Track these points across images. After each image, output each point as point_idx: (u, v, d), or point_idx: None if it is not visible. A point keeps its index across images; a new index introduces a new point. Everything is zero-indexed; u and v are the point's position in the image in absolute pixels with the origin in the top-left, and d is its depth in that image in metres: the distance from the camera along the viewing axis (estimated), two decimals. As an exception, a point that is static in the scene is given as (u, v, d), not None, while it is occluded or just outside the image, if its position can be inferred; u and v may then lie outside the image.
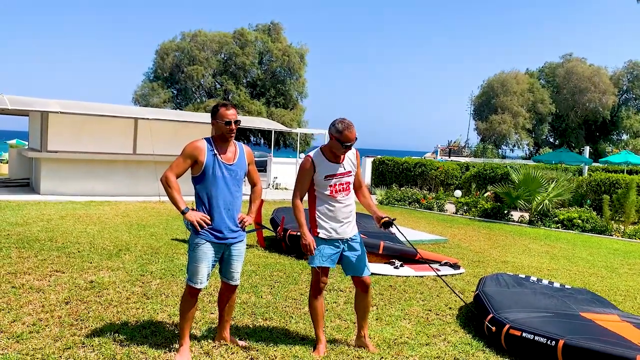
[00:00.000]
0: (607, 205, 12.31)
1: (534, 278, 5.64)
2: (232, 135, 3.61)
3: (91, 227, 8.35)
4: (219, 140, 3.62)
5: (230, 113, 3.57)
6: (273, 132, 20.18)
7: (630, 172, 20.14)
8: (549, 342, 3.70)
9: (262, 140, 39.36)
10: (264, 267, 6.33)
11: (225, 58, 37.89)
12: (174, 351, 3.63)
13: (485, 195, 14.78)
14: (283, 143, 37.35)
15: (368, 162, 20.11)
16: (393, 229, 4.00)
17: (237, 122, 3.62)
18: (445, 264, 6.86)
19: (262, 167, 19.72)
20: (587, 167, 20.85)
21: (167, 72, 37.62)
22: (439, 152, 45.76)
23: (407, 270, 6.48)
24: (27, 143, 18.37)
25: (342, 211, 3.80)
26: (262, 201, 7.51)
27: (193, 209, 3.58)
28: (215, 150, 3.57)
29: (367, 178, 19.72)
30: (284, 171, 18.20)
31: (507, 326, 3.99)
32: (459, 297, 5.40)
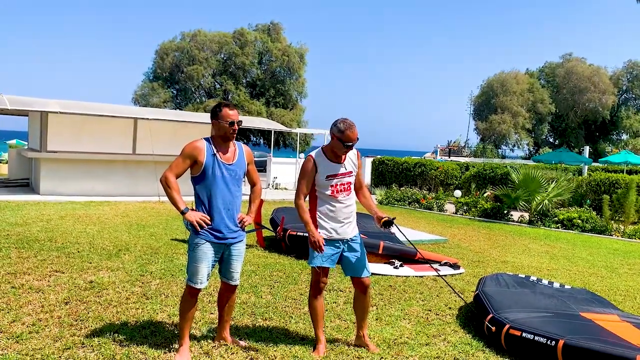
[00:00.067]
0: (607, 205, 12.31)
1: (534, 278, 5.64)
2: (234, 135, 3.62)
3: (91, 227, 8.35)
4: (218, 140, 3.62)
5: (233, 113, 3.58)
6: (273, 132, 20.18)
7: (630, 172, 20.13)
8: (548, 342, 3.70)
9: (262, 140, 39.37)
10: (264, 267, 6.33)
11: (224, 58, 37.89)
12: (173, 351, 3.63)
13: (485, 195, 14.78)
14: (283, 143, 37.35)
15: (368, 162, 20.11)
16: (393, 229, 4.00)
17: (239, 122, 3.63)
18: (445, 264, 6.86)
19: (262, 167, 19.72)
20: (586, 167, 20.86)
21: (167, 72, 37.63)
22: (438, 152, 45.78)
23: (406, 270, 6.47)
24: (26, 143, 18.36)
25: (343, 211, 3.80)
26: (261, 201, 7.51)
27: (193, 209, 3.58)
28: (214, 150, 3.57)
29: (366, 178, 19.72)
30: (283, 171, 18.21)
31: (507, 326, 3.98)
32: (459, 296, 5.40)
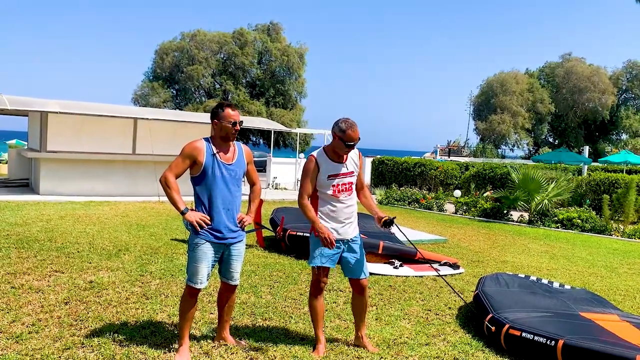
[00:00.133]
0: (607, 205, 12.31)
1: (533, 278, 5.64)
2: (236, 135, 3.63)
3: (90, 227, 8.35)
4: (219, 140, 3.62)
5: (235, 114, 3.59)
6: (272, 132, 20.17)
7: (629, 172, 20.14)
8: (548, 342, 3.70)
9: (262, 140, 39.37)
10: (264, 267, 6.33)
11: (224, 58, 37.89)
12: (173, 351, 3.63)
13: (485, 195, 14.79)
14: (283, 143, 37.35)
15: (368, 162, 20.12)
16: (393, 228, 4.00)
17: (240, 122, 3.63)
18: (445, 263, 6.86)
19: (262, 167, 19.72)
20: (586, 166, 20.87)
21: (167, 72, 37.63)
22: (438, 152, 45.80)
23: (406, 270, 6.48)
24: (26, 143, 18.36)
25: (344, 212, 3.80)
26: (261, 201, 7.52)
27: (192, 209, 3.58)
28: (214, 150, 3.57)
29: (366, 178, 19.73)
30: (283, 171, 18.20)
31: (507, 326, 3.99)
32: (459, 296, 5.40)
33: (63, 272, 5.55)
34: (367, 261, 4.07)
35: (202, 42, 36.87)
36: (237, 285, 3.80)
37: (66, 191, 12.41)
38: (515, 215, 13.09)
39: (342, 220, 3.79)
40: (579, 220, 11.72)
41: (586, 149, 26.04)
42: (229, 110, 3.57)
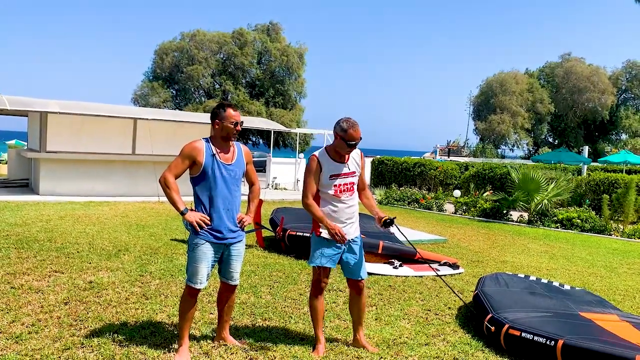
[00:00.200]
0: (606, 204, 12.32)
1: (533, 278, 5.64)
2: (236, 135, 3.63)
3: (90, 228, 8.35)
4: (219, 140, 3.62)
5: (236, 114, 3.60)
6: (272, 132, 20.16)
7: (629, 172, 20.15)
8: (548, 342, 3.70)
9: (261, 140, 39.37)
10: (263, 267, 6.33)
11: (224, 58, 37.89)
12: (173, 351, 3.63)
13: (485, 195, 14.79)
14: (282, 143, 37.36)
15: (367, 162, 20.13)
16: (393, 229, 4.00)
17: (241, 123, 3.64)
18: (445, 263, 6.86)
19: (262, 167, 19.71)
20: (586, 166, 20.88)
21: (167, 72, 37.63)
22: (438, 152, 45.80)
23: (406, 270, 6.48)
24: (26, 143, 18.35)
25: (346, 212, 3.79)
26: (261, 201, 7.51)
27: (192, 210, 3.58)
28: (214, 151, 3.57)
29: (366, 178, 19.73)
30: (283, 171, 18.19)
31: (507, 326, 3.99)
32: (458, 297, 5.40)
33: (63, 273, 5.55)
34: (366, 261, 4.07)
35: (202, 42, 36.87)
36: (236, 286, 3.80)
37: (66, 191, 12.40)
38: (514, 215, 13.10)
39: (344, 221, 3.79)
40: (579, 220, 11.72)
41: (586, 149, 26.04)
42: (230, 111, 3.58)
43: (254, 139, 39.27)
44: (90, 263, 6.03)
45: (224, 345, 3.79)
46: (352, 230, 3.83)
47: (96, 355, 3.53)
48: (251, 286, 5.46)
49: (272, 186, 17.75)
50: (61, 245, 6.86)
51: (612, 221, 12.05)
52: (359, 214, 4.05)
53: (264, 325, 4.34)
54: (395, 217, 3.97)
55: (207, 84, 37.53)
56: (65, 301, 4.61)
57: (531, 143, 50.57)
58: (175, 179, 3.53)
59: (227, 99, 36.30)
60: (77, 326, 4.04)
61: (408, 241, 4.90)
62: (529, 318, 4.14)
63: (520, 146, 51.28)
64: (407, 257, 6.82)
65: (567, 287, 5.47)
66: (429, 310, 5.03)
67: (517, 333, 3.90)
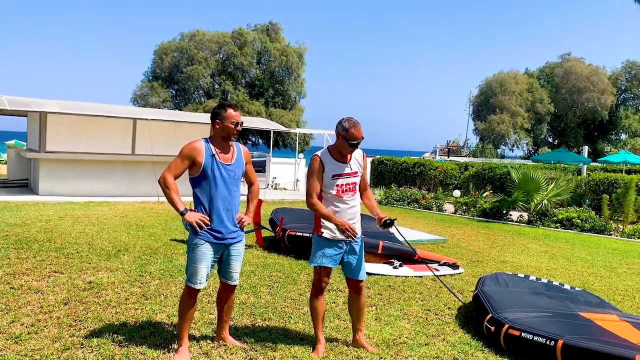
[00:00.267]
0: (606, 204, 12.32)
1: (533, 277, 5.64)
2: (236, 136, 3.63)
3: (90, 228, 8.35)
4: (219, 140, 3.62)
5: (237, 114, 3.60)
6: (272, 132, 20.16)
7: (628, 172, 20.17)
8: (548, 342, 3.70)
9: (261, 141, 39.38)
10: (263, 268, 6.32)
11: (223, 58, 37.88)
12: (172, 352, 3.62)
13: (484, 195, 14.79)
14: (282, 143, 37.36)
15: (367, 162, 20.14)
16: (393, 229, 4.00)
17: (241, 123, 3.64)
18: (445, 263, 6.86)
19: (261, 167, 19.70)
20: (585, 166, 20.88)
21: (166, 72, 37.63)
22: (437, 152, 45.83)
23: (406, 270, 6.47)
24: (25, 144, 18.35)
25: (348, 212, 3.79)
26: (260, 201, 7.51)
27: (191, 210, 3.57)
28: (213, 151, 3.57)
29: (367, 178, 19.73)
30: (282, 171, 18.19)
31: (506, 326, 3.98)
32: (456, 297, 5.40)
33: (62, 273, 5.55)
34: (366, 261, 4.07)
35: (202, 42, 36.88)
36: (236, 286, 3.80)
37: (65, 191, 12.40)
38: (514, 215, 13.10)
39: (346, 221, 3.79)
40: (579, 220, 11.72)
41: (585, 149, 26.06)
42: (230, 111, 3.58)
43: (253, 139, 39.28)
44: (89, 263, 6.03)
45: (223, 345, 3.79)
46: (342, 235, 3.82)
47: (96, 356, 3.52)
48: (251, 286, 5.46)
49: (272, 186, 17.75)
50: (61, 246, 6.85)
51: (611, 221, 12.05)
52: (360, 214, 4.04)
53: (263, 325, 4.34)
54: (395, 219, 3.97)
55: (206, 84, 37.53)
56: (64, 301, 4.61)
57: (531, 143, 50.60)
58: (175, 179, 3.53)
59: (226, 99, 36.31)
60: (76, 326, 4.03)
61: (407, 243, 4.89)
62: (529, 318, 4.14)
63: (519, 146, 51.34)
64: (407, 257, 6.82)
65: (567, 287, 5.47)
66: (429, 310, 5.03)
67: (517, 333, 3.89)
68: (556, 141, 52.19)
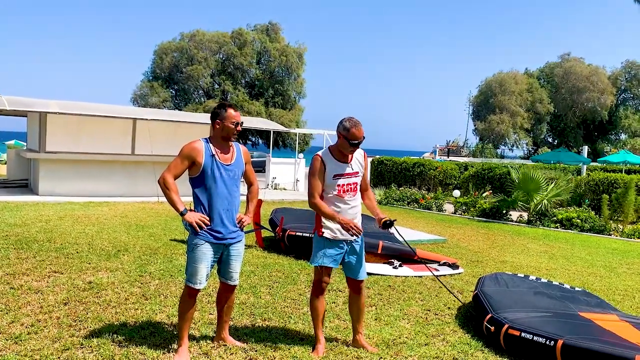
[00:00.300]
0: (606, 204, 12.32)
1: (532, 277, 5.64)
2: (236, 136, 3.63)
3: (90, 228, 8.35)
4: (219, 140, 3.62)
5: (237, 114, 3.60)
6: (271, 132, 20.15)
7: (628, 172, 20.17)
8: (547, 342, 3.70)
9: (261, 141, 39.38)
10: (263, 268, 6.32)
11: (223, 58, 37.88)
12: (172, 352, 3.62)
13: (484, 195, 14.79)
14: (282, 143, 37.37)
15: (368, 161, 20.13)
16: (392, 230, 4.00)
17: (241, 123, 3.65)
18: (444, 263, 6.86)
19: (261, 167, 19.69)
20: (585, 166, 20.89)
21: (166, 72, 37.63)
22: (437, 152, 45.84)
23: (405, 270, 6.47)
24: (25, 144, 18.35)
25: (348, 212, 3.78)
26: (260, 201, 7.51)
27: (191, 210, 3.57)
28: (213, 151, 3.57)
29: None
30: (282, 171, 18.18)
31: (506, 326, 3.99)
32: (456, 297, 5.40)
33: (62, 273, 5.55)
34: (366, 261, 4.07)
35: (201, 42, 36.88)
36: (236, 286, 3.80)
37: (65, 192, 12.40)
38: (514, 215, 13.10)
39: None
40: (578, 220, 11.72)
41: (585, 148, 26.07)
42: (231, 111, 3.58)
43: (253, 139, 39.28)
44: (89, 263, 6.03)
45: (223, 345, 3.79)
46: (347, 234, 3.82)
47: (95, 356, 3.52)
48: (251, 286, 5.46)
49: (272, 186, 17.75)
50: (60, 246, 6.85)
51: (611, 221, 12.05)
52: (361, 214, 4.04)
53: (263, 325, 4.34)
54: (395, 220, 3.97)
55: (206, 84, 37.53)
56: (64, 301, 4.61)
57: (530, 143, 50.61)
58: (175, 179, 3.53)
59: (226, 99, 36.31)
60: (76, 326, 4.04)
61: (407, 243, 4.89)
62: (529, 318, 4.14)
63: (519, 146, 51.36)
64: (407, 257, 6.82)
65: (566, 287, 5.47)
66: (429, 310, 5.03)
67: (517, 333, 3.89)
68: (556, 141, 52.22)
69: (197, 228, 3.49)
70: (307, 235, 6.85)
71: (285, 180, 18.11)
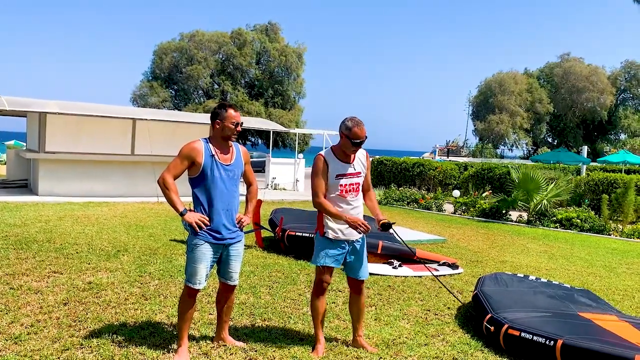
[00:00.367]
0: (606, 204, 12.32)
1: (532, 277, 5.64)
2: (236, 136, 3.63)
3: (89, 228, 8.34)
4: (219, 140, 3.62)
5: (237, 114, 3.61)
6: (271, 132, 20.15)
7: (628, 172, 20.18)
8: (547, 342, 3.70)
9: (260, 141, 39.37)
10: (263, 268, 6.32)
11: (222, 58, 37.88)
12: (172, 352, 3.62)
13: (484, 195, 14.79)
14: (282, 143, 37.37)
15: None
16: (390, 232, 4.00)
17: (241, 123, 3.65)
18: (444, 263, 6.86)
19: (261, 167, 19.70)
20: (585, 166, 20.89)
21: (166, 72, 37.62)
22: (437, 152, 45.84)
23: (405, 270, 6.47)
24: (25, 144, 18.34)
25: (351, 213, 3.77)
26: (260, 201, 7.52)
27: (191, 210, 3.57)
28: (213, 151, 3.57)
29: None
30: (282, 172, 18.19)
31: (506, 326, 3.99)
32: (456, 297, 5.40)
33: (62, 273, 5.54)
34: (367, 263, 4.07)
35: (201, 42, 36.89)
36: (236, 286, 3.80)
37: (65, 192, 12.40)
38: (514, 215, 13.10)
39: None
40: (578, 220, 11.73)
41: (585, 148, 26.04)
42: (231, 111, 3.58)
43: (253, 140, 39.28)
44: (89, 264, 6.03)
45: (223, 345, 3.79)
46: (356, 231, 3.82)
47: (95, 356, 3.52)
48: (250, 286, 5.46)
49: (272, 186, 17.74)
50: (60, 246, 6.85)
51: (611, 221, 12.06)
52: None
53: (263, 325, 4.34)
54: (394, 222, 3.96)
55: (206, 84, 37.53)
56: (64, 302, 4.61)
57: (530, 143, 50.63)
58: (174, 179, 3.53)
59: (226, 99, 36.31)
60: (76, 327, 4.03)
61: (406, 245, 4.89)
62: (529, 318, 4.14)
63: (519, 146, 51.38)
64: (407, 257, 6.82)
65: (566, 286, 5.47)
66: (428, 311, 5.03)
67: (517, 333, 3.90)
68: (555, 141, 52.23)
69: (197, 228, 3.49)
70: (307, 235, 6.86)
71: (285, 181, 18.11)
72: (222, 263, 3.69)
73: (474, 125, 50.25)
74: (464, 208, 13.79)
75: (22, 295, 4.74)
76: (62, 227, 8.32)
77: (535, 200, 12.53)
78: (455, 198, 14.77)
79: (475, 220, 12.61)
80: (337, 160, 3.76)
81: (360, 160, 3.85)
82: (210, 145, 3.58)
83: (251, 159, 3.90)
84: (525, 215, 12.79)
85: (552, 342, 3.68)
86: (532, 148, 50.71)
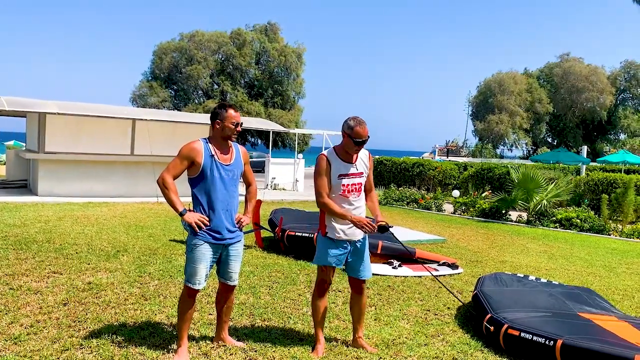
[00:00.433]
0: (605, 204, 12.33)
1: (532, 277, 5.64)
2: (236, 136, 3.63)
3: (89, 228, 8.34)
4: (218, 140, 3.61)
5: (237, 115, 3.60)
6: (271, 132, 20.16)
7: (627, 172, 20.18)
8: (547, 342, 3.70)
9: (260, 141, 39.37)
10: (262, 268, 6.32)
11: (222, 59, 37.87)
12: (172, 352, 3.62)
13: (484, 195, 14.80)
14: (281, 144, 37.37)
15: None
16: (388, 235, 4.00)
17: (241, 124, 3.65)
18: (444, 263, 6.86)
19: (260, 167, 19.71)
20: (584, 166, 20.89)
21: (165, 73, 37.62)
22: (436, 152, 45.85)
23: (405, 270, 6.48)
24: (24, 144, 18.33)
25: (353, 213, 3.78)
26: (259, 201, 7.51)
27: (190, 210, 3.57)
28: (212, 151, 3.57)
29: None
30: (282, 172, 18.19)
31: (506, 326, 3.99)
32: (456, 297, 5.40)
33: (61, 273, 5.54)
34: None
35: (201, 42, 36.89)
36: (235, 286, 3.80)
37: (64, 192, 12.39)
38: (513, 215, 13.10)
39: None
40: (578, 220, 11.73)
41: (584, 148, 26.04)
42: (231, 111, 3.58)
43: (252, 140, 39.28)
44: (89, 264, 6.03)
45: (223, 345, 3.79)
46: (358, 232, 3.81)
47: (95, 356, 3.52)
48: (250, 287, 5.45)
49: (271, 187, 17.75)
50: (60, 246, 6.85)
51: (610, 221, 12.06)
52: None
53: (263, 325, 4.34)
54: (392, 226, 3.96)
55: (205, 84, 37.53)
56: (64, 302, 4.61)
57: (530, 143, 50.64)
58: (174, 179, 3.53)
59: (225, 100, 36.32)
60: (75, 327, 4.03)
61: (405, 247, 4.89)
62: (528, 318, 4.14)
63: (518, 146, 51.40)
64: (406, 257, 6.82)
65: (566, 286, 5.46)
66: (428, 311, 5.03)
67: (516, 333, 3.90)
68: (555, 141, 52.25)
69: (196, 228, 3.49)
70: (307, 235, 6.86)
71: (285, 181, 18.11)
72: (221, 263, 3.69)
73: (474, 125, 50.26)
74: (463, 208, 13.79)
75: (22, 295, 4.74)
76: (62, 227, 8.32)
77: (535, 200, 12.53)
78: (455, 198, 14.77)
79: (475, 220, 12.61)
80: (340, 160, 3.76)
81: (363, 161, 3.85)
82: (210, 145, 3.58)
83: (251, 159, 3.90)
84: (525, 215, 12.79)
85: (552, 342, 3.68)
86: (531, 148, 50.73)
